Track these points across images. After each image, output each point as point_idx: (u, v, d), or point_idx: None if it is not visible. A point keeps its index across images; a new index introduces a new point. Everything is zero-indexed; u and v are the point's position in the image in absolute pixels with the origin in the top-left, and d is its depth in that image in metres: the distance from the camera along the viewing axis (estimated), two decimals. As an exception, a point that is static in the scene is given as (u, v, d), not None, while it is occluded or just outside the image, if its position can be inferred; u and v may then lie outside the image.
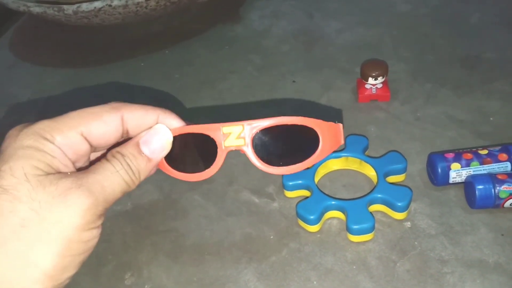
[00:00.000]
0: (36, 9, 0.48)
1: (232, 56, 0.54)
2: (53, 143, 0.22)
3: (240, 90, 0.48)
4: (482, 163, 0.32)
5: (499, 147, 0.33)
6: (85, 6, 0.46)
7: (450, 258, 0.30)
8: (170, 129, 0.26)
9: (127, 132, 0.25)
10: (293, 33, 0.57)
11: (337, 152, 0.36)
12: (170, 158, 0.26)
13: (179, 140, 0.25)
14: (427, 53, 0.50)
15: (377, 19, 0.57)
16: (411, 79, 0.46)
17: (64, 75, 0.57)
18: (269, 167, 0.26)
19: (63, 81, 0.56)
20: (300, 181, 0.34)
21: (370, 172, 0.35)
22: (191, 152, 0.25)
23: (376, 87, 0.42)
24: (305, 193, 0.34)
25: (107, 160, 0.23)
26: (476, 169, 0.32)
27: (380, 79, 0.42)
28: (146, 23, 0.59)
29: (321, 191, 0.33)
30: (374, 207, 0.33)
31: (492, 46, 0.49)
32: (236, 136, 0.24)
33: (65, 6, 0.47)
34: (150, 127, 0.25)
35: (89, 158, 0.25)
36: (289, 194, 0.35)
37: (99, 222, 0.22)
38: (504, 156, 0.33)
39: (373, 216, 0.31)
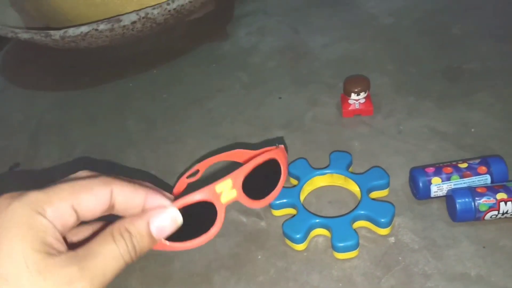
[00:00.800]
0: (23, 35, 0.49)
1: (220, 74, 0.55)
2: (45, 217, 0.21)
3: (228, 108, 0.49)
4: (462, 176, 0.33)
5: (478, 160, 0.34)
6: (71, 31, 0.47)
7: (433, 272, 0.31)
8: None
9: (113, 207, 0.24)
10: (279, 49, 0.58)
11: (322, 169, 0.37)
12: (172, 236, 0.25)
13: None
14: (410, 65, 0.51)
15: (361, 33, 0.58)
16: (394, 92, 0.47)
17: (55, 97, 0.57)
18: (258, 202, 0.29)
19: (54, 103, 0.56)
20: (285, 200, 0.34)
21: (354, 188, 0.35)
22: (191, 220, 0.25)
23: (359, 102, 0.43)
24: (292, 211, 0.35)
25: (113, 238, 0.22)
26: (457, 182, 0.33)
27: (362, 94, 0.43)
28: (135, 43, 0.60)
29: (306, 210, 0.34)
30: (358, 224, 0.33)
31: (473, 56, 0.50)
32: (229, 190, 0.26)
33: (52, 32, 0.48)
34: (161, 207, 0.25)
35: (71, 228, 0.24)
36: (276, 212, 0.35)
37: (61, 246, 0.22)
38: (483, 169, 0.33)
39: (357, 233, 0.31)
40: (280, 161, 0.29)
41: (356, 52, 0.55)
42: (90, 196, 0.23)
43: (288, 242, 0.33)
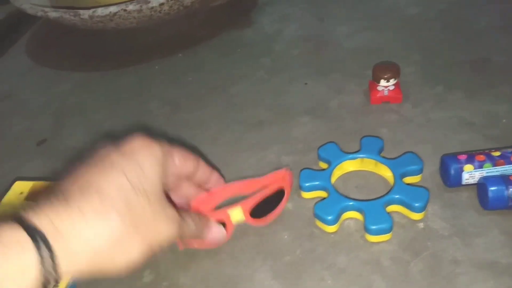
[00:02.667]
0: (53, 14, 0.49)
1: (243, 60, 0.55)
2: (171, 159, 0.31)
3: (251, 94, 0.49)
4: (495, 164, 0.33)
5: (512, 149, 0.34)
6: (100, 11, 0.47)
7: (463, 259, 0.30)
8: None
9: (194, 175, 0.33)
10: (303, 37, 0.57)
11: (353, 153, 0.36)
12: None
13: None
14: (436, 56, 0.50)
15: (386, 23, 0.57)
16: (422, 81, 0.47)
17: (78, 79, 0.58)
18: (262, 220, 0.34)
19: (78, 85, 0.57)
20: (317, 182, 0.34)
21: (385, 173, 0.35)
22: None
23: (388, 89, 0.43)
24: (322, 194, 0.35)
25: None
26: (489, 170, 0.33)
27: (392, 81, 0.42)
28: (156, 29, 0.60)
29: (338, 192, 0.33)
30: (390, 208, 0.33)
31: (499, 49, 0.49)
32: (238, 214, 0.33)
33: (81, 11, 0.48)
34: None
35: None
36: (306, 195, 0.35)
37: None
38: (516, 158, 0.33)
39: (391, 216, 0.31)
40: (286, 189, 0.35)
41: (381, 41, 0.54)
42: (191, 157, 0.32)
43: (319, 223, 0.33)
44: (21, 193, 0.37)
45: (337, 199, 0.33)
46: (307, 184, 0.34)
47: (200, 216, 0.31)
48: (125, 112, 0.50)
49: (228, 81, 0.52)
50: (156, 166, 0.27)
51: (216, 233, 0.32)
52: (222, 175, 0.35)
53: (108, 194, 0.24)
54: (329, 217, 0.32)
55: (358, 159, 0.36)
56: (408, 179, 0.35)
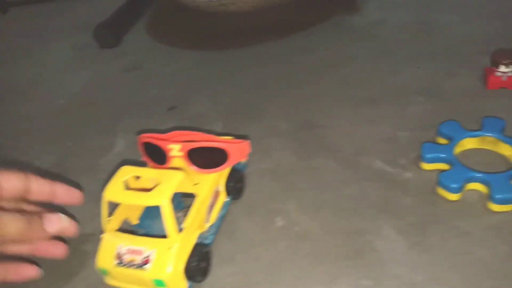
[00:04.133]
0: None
1: (352, 43, 0.58)
2: None
3: (362, 74, 0.52)
4: None
5: None
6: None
7: None
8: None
9: (29, 193, 0.32)
10: (411, 23, 0.59)
11: (474, 131, 0.38)
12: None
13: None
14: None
15: (496, 12, 0.57)
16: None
17: (197, 57, 0.64)
18: (198, 169, 0.36)
19: (196, 62, 0.63)
20: (442, 155, 0.36)
21: (506, 152, 0.36)
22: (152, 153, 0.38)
23: (507, 75, 0.43)
24: (443, 166, 0.37)
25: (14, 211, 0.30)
26: None
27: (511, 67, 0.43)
28: (265, 14, 0.64)
29: (463, 165, 0.36)
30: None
31: None
32: (177, 151, 0.36)
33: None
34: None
35: None
36: (426, 166, 0.38)
37: None
38: None
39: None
40: (229, 153, 0.36)
41: (491, 30, 0.54)
42: (12, 177, 0.31)
43: (441, 191, 0.35)
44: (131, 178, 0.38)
45: (462, 170, 0.35)
46: (429, 156, 0.37)
47: (29, 212, 0.30)
48: (242, 85, 0.56)
49: (338, 62, 0.55)
50: None
51: (56, 221, 0.31)
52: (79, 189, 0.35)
53: None
54: (454, 185, 0.34)
55: (479, 137, 0.38)
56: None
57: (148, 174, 0.34)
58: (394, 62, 0.53)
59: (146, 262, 0.31)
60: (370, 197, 0.37)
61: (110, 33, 0.70)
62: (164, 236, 0.31)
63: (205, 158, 0.36)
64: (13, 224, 0.28)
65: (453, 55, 0.52)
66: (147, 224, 0.36)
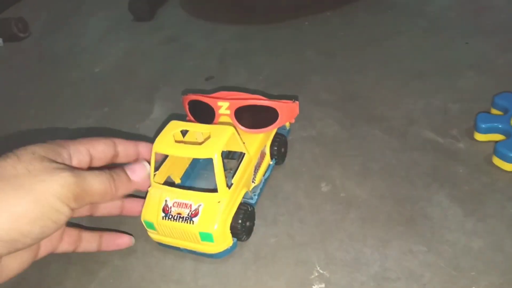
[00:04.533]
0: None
1: (396, 19, 0.57)
2: (66, 148, 0.29)
3: (409, 48, 0.50)
4: None
5: None
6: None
7: None
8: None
9: (117, 155, 0.32)
10: (458, 1, 0.57)
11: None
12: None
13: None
14: None
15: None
16: None
17: (234, 31, 0.64)
18: (245, 129, 0.35)
19: (234, 36, 0.63)
20: (498, 125, 0.35)
21: None
22: (198, 112, 0.37)
23: None
24: (497, 137, 0.35)
25: (100, 171, 0.29)
26: None
27: None
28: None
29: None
30: None
31: None
32: (224, 109, 0.35)
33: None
34: (137, 160, 0.33)
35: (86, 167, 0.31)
36: (480, 137, 0.36)
37: (73, 204, 0.27)
38: None
39: None
40: (280, 112, 0.35)
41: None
42: (100, 143, 0.31)
43: (497, 161, 0.34)
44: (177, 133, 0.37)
45: (521, 139, 0.33)
46: (484, 126, 0.35)
47: (110, 170, 0.30)
48: (283, 58, 0.55)
49: (383, 37, 0.53)
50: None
51: (140, 170, 0.31)
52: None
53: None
54: (512, 154, 0.32)
55: (537, 110, 0.36)
56: None
57: (198, 128, 0.33)
58: (442, 38, 0.51)
59: (194, 215, 0.31)
60: (421, 166, 0.36)
61: (145, 6, 0.71)
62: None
63: (253, 117, 0.35)
64: (97, 180, 0.28)
65: (505, 31, 0.50)
66: (189, 184, 0.36)
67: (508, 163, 0.33)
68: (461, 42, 0.49)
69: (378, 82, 0.46)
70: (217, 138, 0.31)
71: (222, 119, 0.36)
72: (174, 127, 0.33)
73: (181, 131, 0.34)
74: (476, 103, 0.40)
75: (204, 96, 0.36)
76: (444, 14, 0.55)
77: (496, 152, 0.34)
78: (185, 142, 0.34)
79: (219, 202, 0.31)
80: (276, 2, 0.65)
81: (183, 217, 0.31)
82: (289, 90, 0.48)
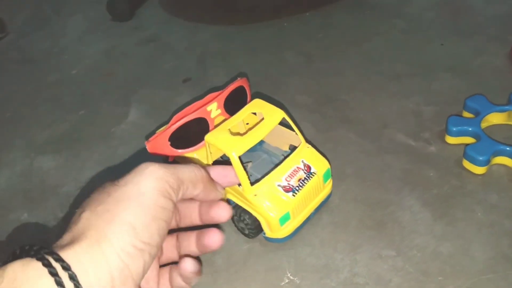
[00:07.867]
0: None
1: (375, 20, 0.57)
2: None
3: (387, 50, 0.51)
4: None
5: None
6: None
7: None
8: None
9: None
10: (437, 2, 0.57)
11: (501, 106, 0.37)
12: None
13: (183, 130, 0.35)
14: None
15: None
16: None
17: (215, 31, 0.63)
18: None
19: (215, 36, 0.62)
20: (469, 128, 0.35)
21: (536, 126, 0.35)
22: (190, 132, 0.35)
23: (538, 52, 0.42)
24: (468, 140, 0.36)
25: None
26: None
27: (544, 44, 0.41)
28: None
29: (491, 138, 0.34)
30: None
31: None
32: (215, 110, 0.35)
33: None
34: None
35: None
36: (451, 140, 0.36)
37: (173, 195, 0.25)
38: None
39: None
40: (246, 87, 0.38)
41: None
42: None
43: (467, 164, 0.34)
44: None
45: (490, 143, 0.33)
46: (455, 129, 0.36)
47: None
48: (261, 59, 0.54)
49: (361, 38, 0.53)
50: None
51: (223, 209, 0.28)
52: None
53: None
54: (481, 158, 0.33)
55: (506, 112, 0.37)
56: None
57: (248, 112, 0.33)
58: (420, 39, 0.51)
59: (308, 169, 0.32)
60: (393, 169, 0.36)
61: (124, 6, 0.70)
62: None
63: (237, 103, 0.36)
64: (186, 169, 0.27)
65: (481, 33, 0.50)
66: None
67: (477, 166, 0.33)
68: (438, 43, 0.50)
69: (355, 84, 0.47)
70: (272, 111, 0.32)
71: (217, 121, 0.35)
72: (227, 125, 0.32)
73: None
74: (449, 105, 0.41)
75: (186, 114, 0.35)
76: (422, 16, 0.55)
77: (465, 155, 0.34)
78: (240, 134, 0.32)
79: (308, 147, 0.33)
80: (256, 2, 0.65)
81: (304, 178, 0.31)
82: (267, 91, 0.48)
